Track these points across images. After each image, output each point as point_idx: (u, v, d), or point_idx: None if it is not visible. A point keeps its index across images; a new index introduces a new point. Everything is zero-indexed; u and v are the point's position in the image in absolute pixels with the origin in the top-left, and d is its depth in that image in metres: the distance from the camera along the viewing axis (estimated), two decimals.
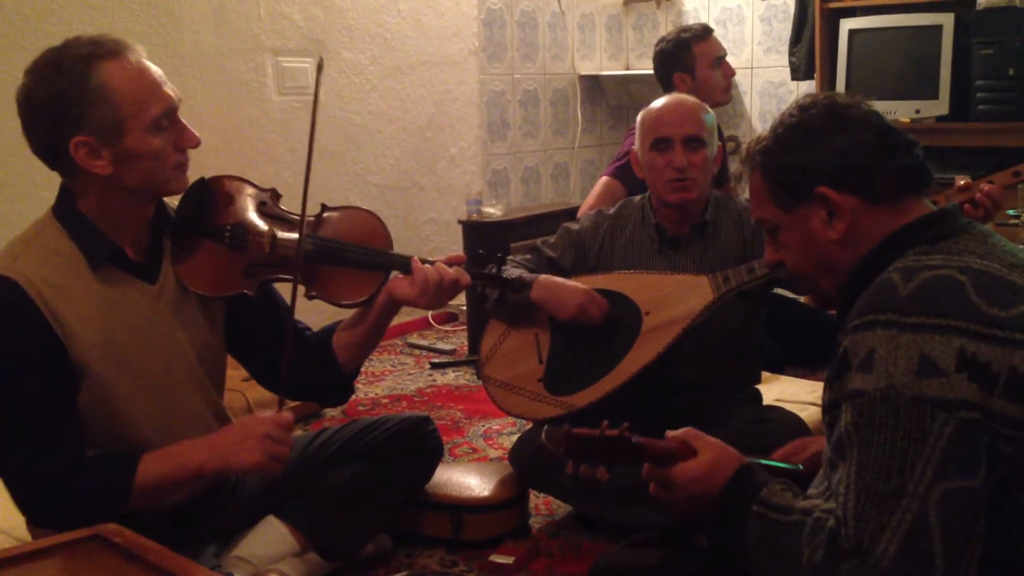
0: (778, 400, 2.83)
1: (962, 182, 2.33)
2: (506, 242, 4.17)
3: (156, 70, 1.81)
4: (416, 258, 2.01)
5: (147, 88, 1.77)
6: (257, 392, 3.13)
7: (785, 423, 2.41)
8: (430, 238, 4.83)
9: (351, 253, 2.00)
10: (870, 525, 1.22)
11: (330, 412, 3.56)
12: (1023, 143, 3.97)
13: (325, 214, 2.07)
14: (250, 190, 2.04)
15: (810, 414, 2.75)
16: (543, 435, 1.59)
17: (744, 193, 4.71)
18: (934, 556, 1.19)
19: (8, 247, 1.81)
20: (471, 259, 2.10)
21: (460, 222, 4.43)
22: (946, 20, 4.37)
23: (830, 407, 1.37)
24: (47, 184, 3.36)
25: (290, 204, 2.07)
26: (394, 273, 2.04)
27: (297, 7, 4.18)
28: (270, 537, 2.11)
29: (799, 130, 1.47)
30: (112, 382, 1.82)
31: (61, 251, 1.80)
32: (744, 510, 1.41)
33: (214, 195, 1.99)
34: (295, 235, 1.95)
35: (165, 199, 1.95)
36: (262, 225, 1.99)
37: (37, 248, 1.79)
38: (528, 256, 2.64)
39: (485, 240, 4.21)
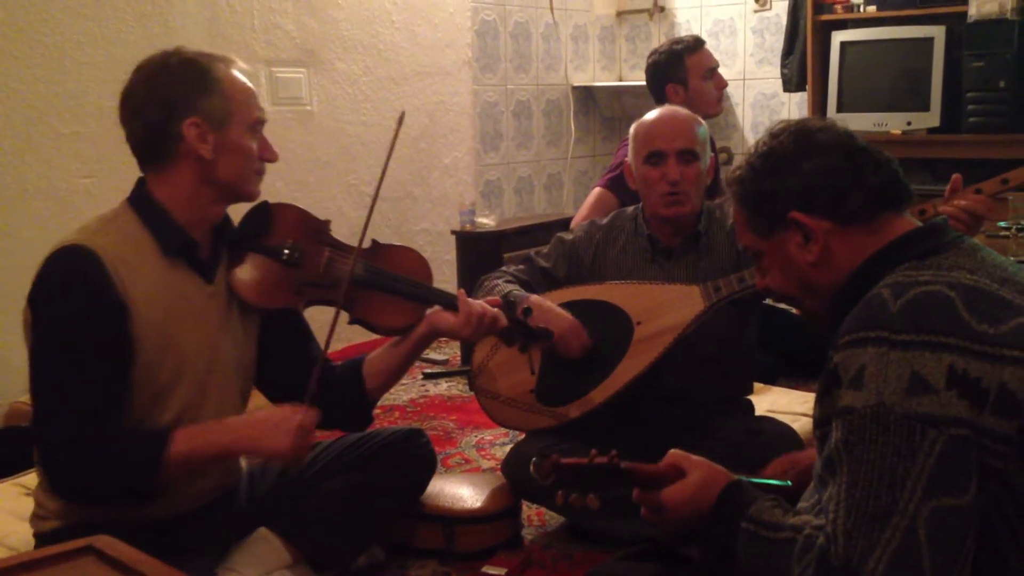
0: (770, 411, 2.83)
1: (955, 176, 2.33)
2: (499, 253, 4.18)
3: (252, 84, 1.99)
4: (463, 291, 2.19)
5: (251, 93, 1.97)
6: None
7: (777, 434, 2.41)
8: (423, 249, 4.82)
9: (399, 283, 2.14)
10: (860, 543, 1.22)
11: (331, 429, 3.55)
12: (1014, 155, 3.99)
13: (376, 247, 2.20)
14: (307, 218, 2.15)
15: (802, 425, 2.75)
16: (531, 467, 1.59)
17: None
18: (923, 573, 1.19)
19: (84, 225, 1.91)
20: (505, 305, 2.26)
21: (453, 232, 4.44)
22: (937, 33, 4.40)
23: (820, 423, 1.37)
24: (41, 194, 3.38)
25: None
26: (434, 308, 2.17)
27: (291, 18, 4.19)
28: (263, 549, 2.11)
29: (769, 158, 1.50)
30: (158, 365, 1.88)
31: (135, 236, 1.90)
32: (733, 527, 1.42)
33: (275, 217, 2.11)
34: (348, 260, 2.08)
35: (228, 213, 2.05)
36: (318, 248, 2.11)
37: (113, 229, 1.89)
38: (522, 267, 2.65)
39: (478, 250, 4.21)
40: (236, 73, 1.96)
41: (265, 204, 2.10)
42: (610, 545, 2.44)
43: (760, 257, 1.56)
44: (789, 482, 1.67)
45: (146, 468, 1.81)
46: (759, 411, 2.71)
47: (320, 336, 2.14)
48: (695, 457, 1.55)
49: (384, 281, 2.12)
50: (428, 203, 4.89)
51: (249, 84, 1.97)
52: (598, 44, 5.83)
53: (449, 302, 2.15)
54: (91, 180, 3.40)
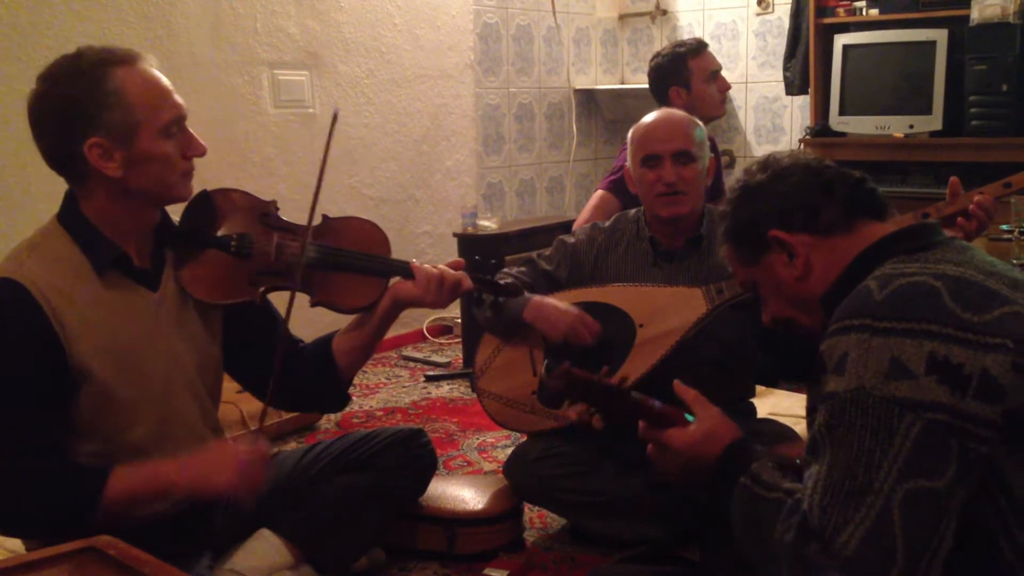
0: (772, 414, 2.83)
1: (952, 179, 2.33)
2: (501, 255, 4.18)
3: (165, 79, 1.85)
4: (414, 260, 2.10)
5: (159, 94, 1.81)
6: (252, 404, 3.13)
7: (779, 436, 2.42)
8: (425, 251, 4.84)
9: (354, 259, 2.06)
10: (834, 518, 1.26)
11: (324, 425, 3.56)
12: (1016, 158, 3.99)
13: (326, 224, 2.11)
14: (252, 202, 2.07)
15: (804, 428, 2.75)
16: (543, 368, 1.63)
17: None
18: (895, 551, 1.22)
19: (13, 252, 1.83)
20: (468, 266, 2.17)
21: (455, 235, 4.44)
22: (940, 36, 4.40)
23: (811, 410, 1.43)
24: (44, 196, 3.37)
25: (290, 216, 2.10)
26: (395, 280, 2.10)
27: (293, 21, 4.20)
28: (264, 550, 2.10)
29: (745, 191, 1.62)
30: (113, 387, 1.83)
31: (66, 256, 1.81)
32: (732, 481, 1.47)
33: (217, 206, 2.02)
34: (299, 243, 2.00)
35: (167, 210, 1.97)
36: (267, 234, 2.02)
37: (42, 253, 1.81)
38: (524, 269, 2.65)
39: (480, 253, 4.21)
40: (140, 75, 1.80)
41: (204, 193, 2.00)
42: (612, 547, 2.44)
43: (757, 288, 1.65)
44: (798, 460, 1.69)
45: (81, 507, 1.75)
46: (761, 414, 2.71)
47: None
48: (712, 407, 1.62)
49: (339, 259, 2.05)
50: (430, 205, 4.89)
51: (159, 83, 1.82)
52: (600, 47, 5.83)
53: (405, 271, 2.07)
54: None
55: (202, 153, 1.89)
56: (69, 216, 1.85)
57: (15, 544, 2.19)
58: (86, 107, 1.75)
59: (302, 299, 1.99)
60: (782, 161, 1.61)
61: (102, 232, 1.84)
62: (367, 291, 2.07)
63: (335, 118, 1.98)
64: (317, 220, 2.07)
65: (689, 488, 1.63)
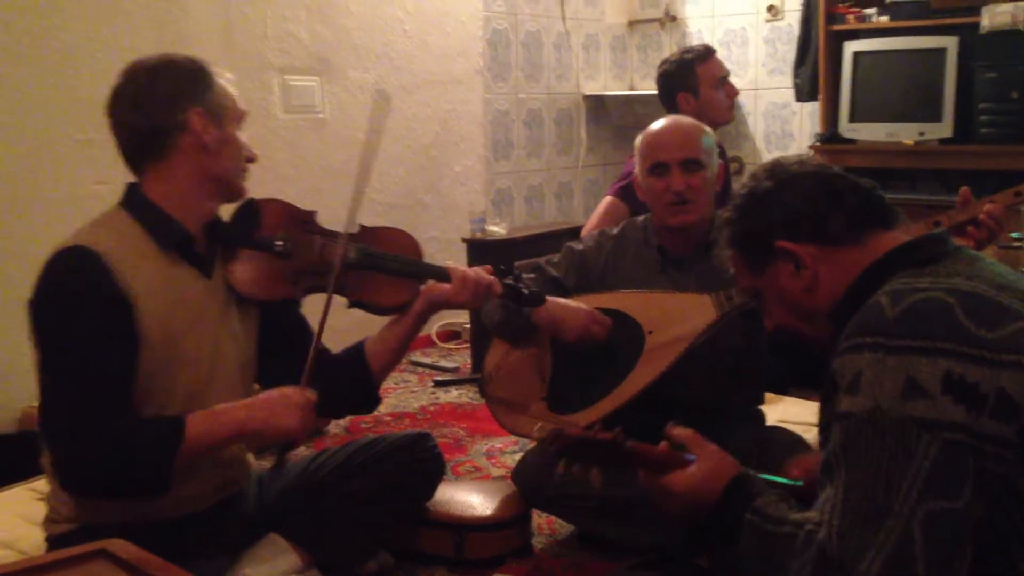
0: (781, 421, 2.83)
1: (963, 188, 2.33)
2: (509, 260, 4.18)
3: None
4: (450, 261, 2.24)
5: (235, 96, 2.02)
6: None
7: (788, 444, 2.41)
8: (434, 256, 4.81)
9: (391, 262, 2.17)
10: (853, 543, 1.23)
11: (332, 429, 3.56)
12: None
13: (364, 231, 2.22)
14: (293, 210, 2.18)
15: (814, 435, 2.72)
16: (535, 431, 1.61)
17: None
18: (917, 575, 1.20)
19: (78, 230, 1.92)
20: (497, 272, 2.28)
21: (464, 240, 4.45)
22: (950, 43, 4.39)
23: (823, 428, 1.40)
24: (55, 201, 3.39)
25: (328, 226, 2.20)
26: (428, 283, 2.20)
27: (304, 26, 4.21)
28: (273, 554, 2.11)
29: (751, 197, 1.59)
30: (163, 359, 1.89)
31: (130, 234, 1.91)
32: (737, 518, 1.44)
33: (262, 212, 2.13)
34: (338, 245, 2.10)
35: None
36: (308, 236, 2.15)
37: (108, 228, 1.92)
38: (532, 275, 2.65)
39: (488, 259, 4.21)
40: (226, 77, 2.02)
41: (252, 201, 2.12)
42: (620, 554, 2.44)
43: (761, 297, 1.62)
44: (800, 482, 1.68)
45: (162, 455, 1.81)
46: (770, 421, 2.71)
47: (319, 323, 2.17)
48: (708, 445, 1.57)
49: (376, 261, 2.15)
50: (439, 211, 4.90)
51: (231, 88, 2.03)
52: (609, 53, 5.84)
53: (441, 275, 2.19)
54: (105, 186, 3.41)
55: (255, 157, 2.05)
56: (133, 201, 1.96)
57: (28, 547, 2.20)
58: (197, 83, 1.94)
59: (340, 301, 2.08)
60: (790, 168, 1.58)
61: (167, 212, 1.93)
62: (401, 292, 2.17)
63: (385, 99, 2.19)
64: (354, 230, 2.17)
65: (694, 527, 1.60)
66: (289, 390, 1.92)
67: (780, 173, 1.58)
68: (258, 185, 2.07)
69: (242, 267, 2.07)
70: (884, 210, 1.54)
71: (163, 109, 1.91)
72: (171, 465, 1.82)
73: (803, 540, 1.32)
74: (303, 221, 2.16)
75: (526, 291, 2.29)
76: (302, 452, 3.32)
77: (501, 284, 2.24)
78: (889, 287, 1.38)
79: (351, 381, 2.20)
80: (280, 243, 2.09)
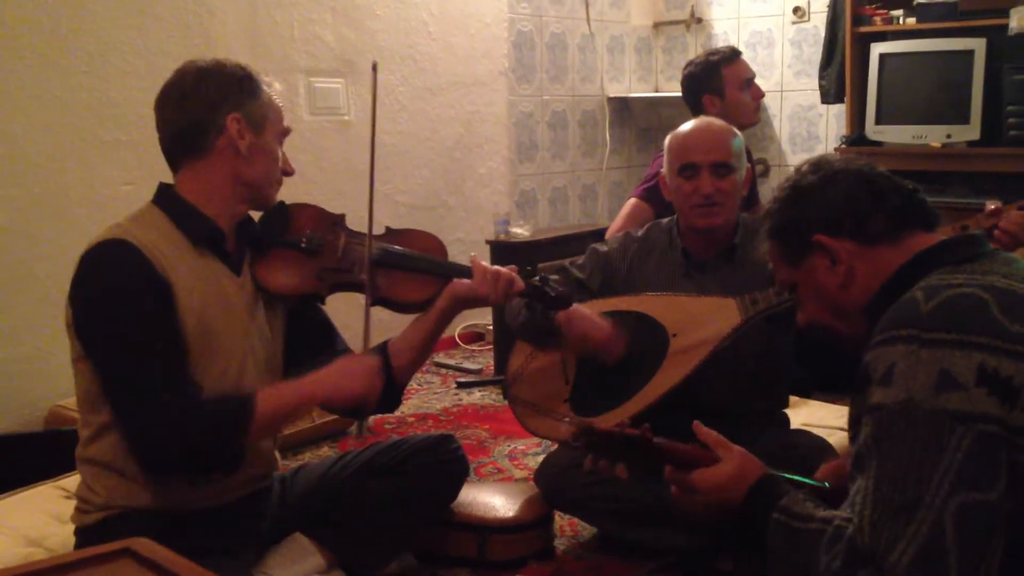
0: (806, 424, 2.81)
1: (992, 206, 2.32)
2: (533, 262, 4.18)
3: None
4: (473, 254, 2.27)
5: (281, 107, 2.07)
6: None
7: (813, 448, 2.40)
8: (457, 258, 4.82)
9: (415, 260, 2.20)
10: (885, 534, 1.24)
11: (354, 430, 3.57)
12: None
13: (389, 233, 2.26)
14: (323, 213, 2.22)
15: (838, 439, 2.73)
16: (564, 425, 1.61)
17: None
18: (948, 568, 1.20)
19: (115, 224, 1.96)
20: (522, 272, 2.28)
21: (488, 242, 4.45)
22: (978, 45, 4.35)
23: (853, 422, 1.40)
24: (82, 200, 3.42)
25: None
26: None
27: (330, 29, 4.22)
28: (296, 554, 2.12)
29: (794, 190, 1.60)
30: (197, 351, 1.92)
31: (164, 229, 1.96)
32: (764, 518, 1.45)
33: (292, 214, 2.18)
34: (364, 244, 2.16)
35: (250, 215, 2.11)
36: (336, 235, 2.19)
37: (142, 224, 1.96)
38: (555, 277, 2.65)
39: (512, 260, 4.21)
40: (274, 87, 2.07)
41: (282, 204, 2.16)
42: (643, 557, 2.43)
43: (795, 290, 1.63)
44: (826, 483, 1.68)
45: (236, 429, 1.88)
46: (794, 424, 2.70)
47: (344, 330, 2.26)
48: (734, 446, 1.58)
49: (400, 260, 2.18)
50: (463, 212, 4.90)
51: (281, 104, 2.07)
52: (634, 55, 5.83)
53: (464, 272, 2.21)
54: (132, 187, 3.44)
55: (293, 172, 2.10)
56: (165, 198, 2.00)
57: (55, 544, 2.22)
58: (242, 89, 1.99)
59: (359, 303, 2.12)
60: (834, 164, 1.59)
61: (199, 209, 1.98)
62: (424, 288, 2.19)
63: (374, 68, 2.23)
64: (380, 230, 2.22)
65: (718, 526, 1.61)
66: (353, 358, 2.03)
67: (825, 168, 1.58)
68: (283, 186, 2.09)
69: (269, 264, 2.10)
70: (925, 212, 1.54)
71: (204, 109, 1.96)
72: (245, 438, 1.90)
73: (831, 535, 1.32)
74: (332, 223, 2.20)
75: (552, 292, 2.27)
76: (324, 451, 3.34)
77: (525, 282, 2.23)
78: (924, 283, 1.38)
79: None
80: (306, 240, 2.14)
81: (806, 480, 1.67)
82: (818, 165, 1.60)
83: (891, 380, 1.29)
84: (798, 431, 2.61)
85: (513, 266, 2.26)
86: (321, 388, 1.96)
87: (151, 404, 1.84)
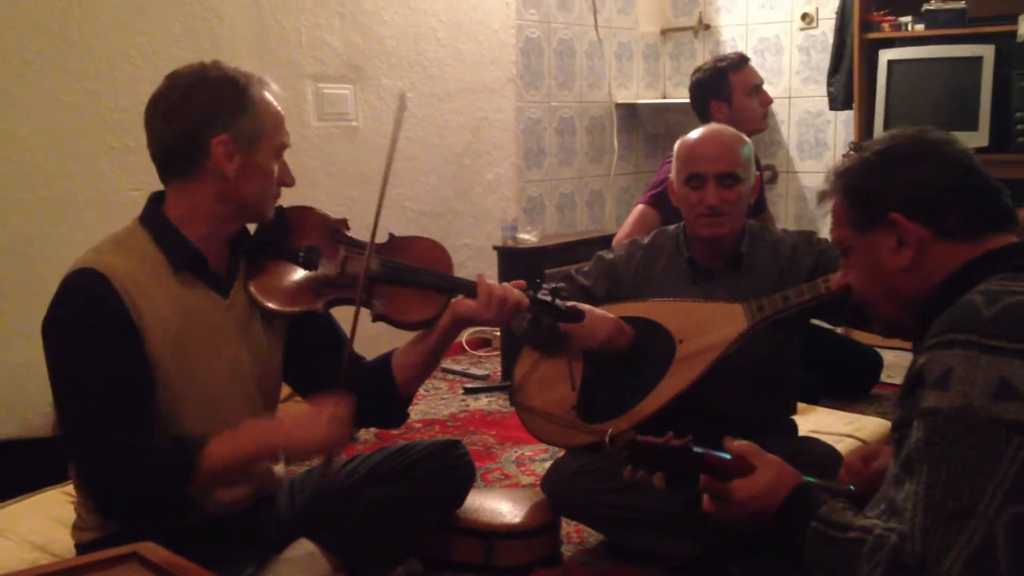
0: (814, 431, 2.80)
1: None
2: (540, 268, 4.18)
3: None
4: (480, 274, 2.14)
5: (281, 119, 1.96)
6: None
7: (821, 455, 2.39)
8: (465, 264, 4.85)
9: (417, 275, 2.09)
10: (937, 542, 1.22)
11: (363, 436, 3.57)
12: None
13: (392, 241, 2.17)
14: (323, 219, 2.14)
15: (846, 446, 2.72)
16: (607, 437, 1.61)
17: (779, 223, 4.66)
18: None
19: (96, 246, 1.91)
20: (529, 285, 2.20)
21: (495, 248, 4.45)
22: (986, 52, 4.34)
23: (900, 424, 1.37)
24: (89, 206, 3.43)
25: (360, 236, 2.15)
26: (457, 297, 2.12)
27: (337, 34, 4.23)
28: (302, 559, 2.12)
29: (884, 156, 1.51)
30: (175, 384, 1.88)
31: (145, 253, 1.89)
32: (801, 527, 1.43)
33: (290, 221, 2.09)
34: (363, 258, 2.05)
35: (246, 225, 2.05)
36: (334, 248, 2.10)
37: (123, 248, 1.90)
38: (562, 284, 2.64)
39: (519, 266, 4.22)
40: (270, 96, 1.95)
41: (280, 209, 2.08)
42: (650, 563, 2.43)
43: (848, 253, 1.56)
44: (852, 487, 1.67)
45: (182, 475, 1.80)
46: (802, 431, 2.69)
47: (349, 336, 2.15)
48: (769, 455, 1.56)
49: (401, 274, 2.08)
50: (470, 218, 4.91)
51: (280, 109, 1.97)
52: (642, 61, 5.83)
53: (469, 289, 2.09)
54: (140, 193, 3.42)
55: (292, 183, 2.01)
56: (151, 217, 1.94)
57: (61, 550, 2.22)
58: (227, 106, 1.88)
59: (365, 314, 2.02)
60: (936, 142, 1.50)
61: (182, 232, 1.91)
62: (427, 307, 2.09)
63: (402, 102, 2.11)
64: (384, 238, 2.13)
65: (753, 533, 1.59)
66: (319, 403, 1.90)
67: (924, 145, 1.50)
68: (290, 191, 2.06)
69: (264, 280, 2.02)
70: (1006, 214, 1.48)
71: (191, 131, 1.88)
72: (190, 487, 1.81)
73: (872, 544, 1.31)
74: (332, 230, 2.12)
75: (563, 307, 2.21)
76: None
77: (531, 299, 2.15)
78: (984, 287, 1.35)
79: (377, 393, 2.15)
80: (303, 253, 2.06)
81: (832, 483, 1.67)
82: (919, 139, 1.51)
83: (948, 385, 1.27)
84: (806, 438, 2.60)
85: (521, 282, 2.17)
86: (277, 438, 1.87)
87: (94, 447, 1.80)
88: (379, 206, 2.00)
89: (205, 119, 1.87)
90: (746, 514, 1.53)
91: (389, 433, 3.62)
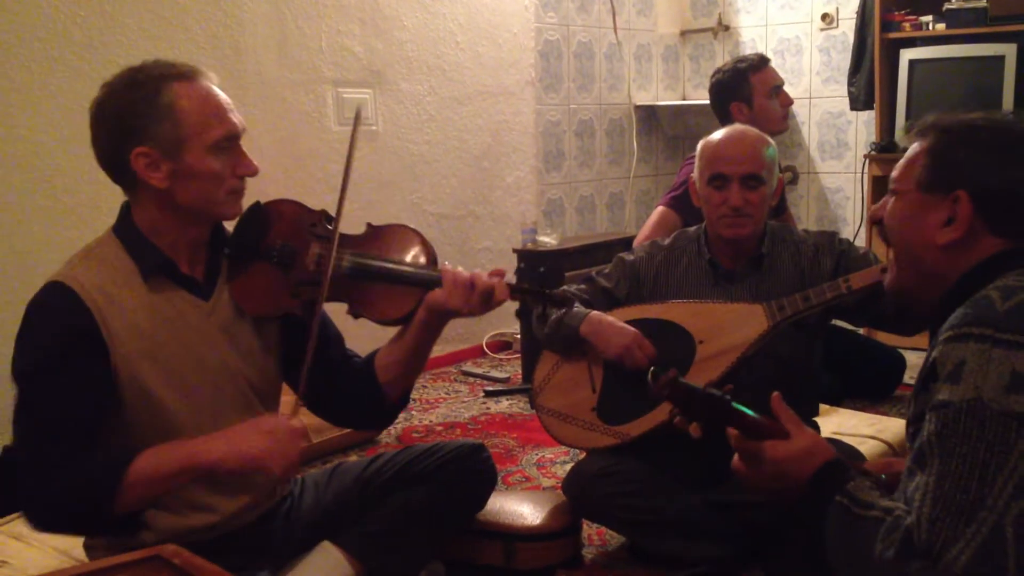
0: (836, 433, 2.79)
1: None
2: (561, 271, 4.18)
3: (224, 97, 1.87)
4: (446, 263, 2.04)
5: (212, 111, 1.84)
6: (313, 417, 3.16)
7: (843, 456, 2.37)
8: (485, 267, 4.82)
9: (386, 270, 2.02)
10: (944, 532, 1.23)
11: (384, 438, 3.58)
12: None
13: (369, 232, 2.10)
14: (302, 212, 2.06)
15: (869, 448, 2.71)
16: (649, 376, 1.61)
17: (800, 224, 4.64)
18: (1006, 572, 1.19)
19: (70, 259, 1.89)
20: (519, 278, 2.11)
21: (515, 251, 4.45)
22: (1008, 51, 4.32)
23: (914, 419, 1.38)
24: (112, 212, 3.44)
25: (351, 228, 2.09)
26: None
27: (358, 39, 4.25)
28: (325, 563, 2.12)
29: (991, 133, 1.46)
30: (160, 395, 1.85)
31: (116, 263, 1.87)
32: (828, 498, 1.43)
33: (268, 218, 2.03)
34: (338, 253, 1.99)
35: (223, 222, 2.00)
36: (309, 244, 2.02)
37: (95, 259, 1.87)
38: (583, 286, 2.65)
39: (540, 269, 4.22)
40: (198, 90, 1.84)
41: (257, 205, 2.02)
42: (671, 566, 2.42)
43: (896, 196, 1.52)
44: (883, 476, 1.67)
45: (104, 486, 1.72)
46: (825, 433, 2.68)
47: (347, 334, 2.14)
48: (806, 426, 1.56)
49: (373, 270, 2.01)
50: (490, 221, 4.91)
51: (215, 99, 1.85)
52: (662, 63, 5.82)
53: (433, 281, 2.00)
54: None
55: (253, 172, 1.90)
56: (122, 225, 1.91)
57: (82, 554, 2.23)
58: (137, 117, 1.80)
59: (344, 310, 2.00)
60: None
61: (150, 240, 1.88)
62: (401, 302, 2.02)
63: (357, 116, 1.99)
64: (361, 228, 2.07)
65: (774, 502, 1.59)
66: (262, 418, 1.84)
67: None
68: (311, 195, 2.05)
69: (244, 282, 1.97)
70: None
71: (110, 149, 1.84)
72: (114, 503, 1.72)
73: (890, 524, 1.31)
74: (310, 224, 2.03)
75: (548, 292, 2.15)
76: (352, 457, 3.34)
77: (512, 288, 2.06)
78: (1001, 282, 1.36)
79: (359, 394, 2.11)
80: (276, 253, 1.98)
81: (865, 468, 1.67)
82: None
83: (960, 378, 1.27)
84: (828, 439, 2.58)
85: (500, 269, 2.08)
86: (211, 450, 1.75)
87: (34, 460, 1.76)
88: (340, 204, 1.95)
89: (118, 134, 1.82)
90: (775, 476, 1.51)
91: (410, 436, 3.63)
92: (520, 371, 4.41)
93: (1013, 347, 1.25)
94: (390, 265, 2.02)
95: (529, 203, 5.10)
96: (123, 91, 1.82)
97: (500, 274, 2.05)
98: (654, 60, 5.78)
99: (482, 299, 2.00)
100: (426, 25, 4.52)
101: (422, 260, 2.06)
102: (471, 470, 2.30)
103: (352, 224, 2.07)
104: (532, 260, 4.31)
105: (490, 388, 4.26)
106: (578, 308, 2.49)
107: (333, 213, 2.04)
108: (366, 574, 2.16)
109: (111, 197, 3.19)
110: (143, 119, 1.80)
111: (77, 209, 3.37)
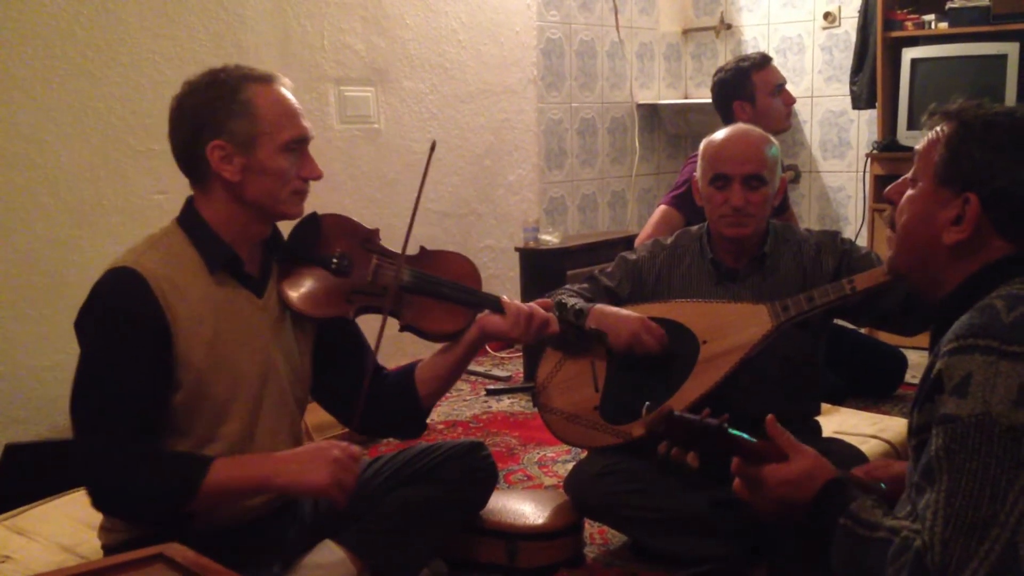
0: (838, 432, 2.79)
1: None
2: (563, 270, 4.18)
3: (296, 102, 1.98)
4: (504, 296, 2.17)
5: (286, 113, 1.94)
6: (316, 416, 3.16)
7: (845, 455, 2.37)
8: (487, 265, 4.85)
9: (446, 287, 2.14)
10: (957, 553, 1.21)
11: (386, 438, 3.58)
12: None
13: (423, 254, 2.21)
14: (356, 227, 2.17)
15: (871, 447, 2.71)
16: (643, 411, 1.61)
17: (803, 223, 4.64)
18: None
19: (133, 247, 1.94)
20: (557, 306, 2.26)
21: (517, 249, 4.45)
22: (1011, 50, 4.31)
23: (918, 430, 1.36)
24: (116, 209, 3.46)
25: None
26: (483, 313, 2.17)
27: (360, 38, 4.25)
28: (327, 561, 2.12)
29: (1008, 132, 1.42)
30: (211, 382, 1.91)
31: (181, 253, 1.93)
32: (831, 521, 1.42)
33: (324, 228, 2.13)
34: (395, 266, 2.11)
35: (277, 227, 2.07)
36: (366, 256, 2.13)
37: (160, 249, 1.93)
38: (585, 285, 2.65)
39: (542, 267, 4.22)
40: (275, 93, 1.94)
41: (314, 215, 2.11)
42: (674, 565, 2.42)
43: (912, 183, 1.51)
44: (883, 484, 1.66)
45: (182, 492, 1.81)
46: (827, 432, 2.67)
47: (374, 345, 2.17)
48: (804, 446, 1.55)
49: (431, 287, 2.13)
50: (492, 220, 4.91)
51: (288, 103, 1.95)
52: (664, 62, 5.82)
53: (496, 305, 2.15)
54: (165, 196, 3.47)
55: (317, 176, 2.00)
56: (188, 218, 1.97)
57: (88, 551, 2.24)
58: (216, 112, 1.89)
59: (392, 323, 2.06)
60: None
61: (217, 233, 1.94)
62: (454, 319, 2.14)
63: (432, 148, 2.12)
64: (414, 250, 2.17)
65: (781, 524, 1.58)
66: (327, 445, 1.90)
67: None
68: (313, 193, 2.07)
69: (297, 283, 2.06)
70: None
71: (186, 141, 1.91)
72: (188, 501, 1.81)
73: (898, 546, 1.29)
74: (364, 239, 2.15)
75: (588, 328, 2.30)
76: None
77: (560, 321, 2.21)
78: (1005, 291, 1.34)
79: (399, 405, 2.19)
80: (336, 260, 2.08)
81: (865, 481, 1.67)
82: None
83: (967, 391, 1.25)
84: (830, 439, 2.58)
85: (547, 301, 2.24)
86: (281, 474, 1.86)
87: (101, 443, 1.80)
88: (412, 220, 2.05)
89: (198, 126, 1.89)
90: (776, 500, 1.51)
91: None
92: (522, 370, 4.41)
93: (1020, 359, 1.24)
94: (449, 283, 2.14)
95: (531, 201, 5.10)
96: (204, 88, 1.91)
97: (548, 306, 2.21)
98: (656, 58, 5.78)
99: (537, 332, 2.16)
100: (428, 23, 4.51)
101: (472, 284, 2.18)
102: (470, 468, 2.32)
103: (392, 246, 2.18)
104: (534, 259, 4.32)
105: (492, 387, 4.26)
106: (579, 302, 2.49)
107: (344, 216, 2.17)
108: (368, 572, 2.16)
109: (113, 195, 3.20)
110: (221, 114, 1.88)
111: (79, 207, 3.37)
